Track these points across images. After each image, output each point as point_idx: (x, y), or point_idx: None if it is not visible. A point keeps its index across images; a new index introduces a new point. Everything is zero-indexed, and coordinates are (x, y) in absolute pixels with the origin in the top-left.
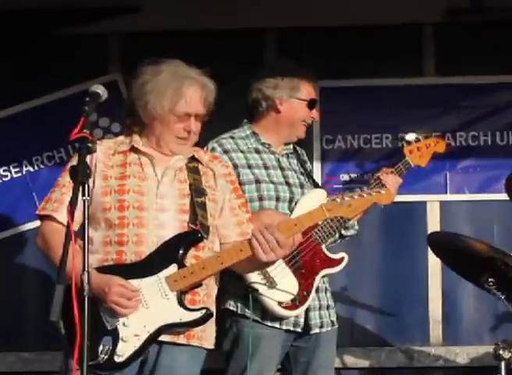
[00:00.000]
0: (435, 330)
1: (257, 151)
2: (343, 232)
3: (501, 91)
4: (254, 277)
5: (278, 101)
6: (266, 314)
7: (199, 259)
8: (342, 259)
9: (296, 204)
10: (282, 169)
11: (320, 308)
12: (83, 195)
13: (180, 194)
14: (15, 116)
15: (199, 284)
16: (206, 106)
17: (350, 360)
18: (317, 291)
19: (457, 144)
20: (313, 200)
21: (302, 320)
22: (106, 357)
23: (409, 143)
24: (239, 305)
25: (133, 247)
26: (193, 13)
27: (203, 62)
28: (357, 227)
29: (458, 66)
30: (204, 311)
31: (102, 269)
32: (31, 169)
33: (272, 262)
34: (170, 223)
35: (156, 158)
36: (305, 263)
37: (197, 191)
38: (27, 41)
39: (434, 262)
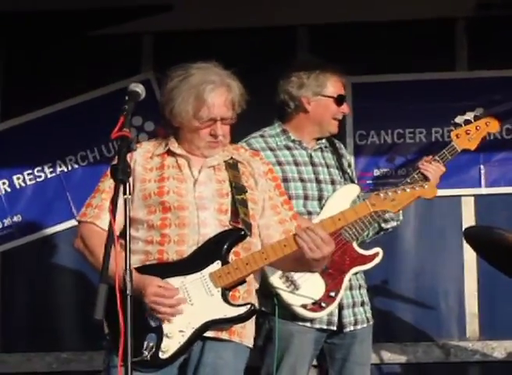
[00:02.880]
0: (472, 324)
1: (288, 148)
2: (382, 225)
3: None
4: (276, 281)
5: (305, 100)
6: (295, 315)
7: (238, 255)
8: (375, 255)
9: (326, 201)
10: (313, 164)
11: (354, 306)
12: (124, 194)
13: (219, 194)
14: (49, 115)
15: (243, 281)
16: (233, 108)
17: (387, 355)
18: (351, 288)
19: (491, 138)
20: (344, 196)
21: (335, 318)
22: (151, 354)
23: (458, 126)
24: (269, 304)
25: (175, 246)
26: (226, 12)
27: (235, 61)
28: (401, 218)
29: (490, 59)
30: (248, 306)
31: (144, 269)
32: (65, 169)
33: (322, 261)
34: (211, 221)
35: (192, 160)
36: (333, 263)
37: (237, 188)
38: (62, 41)
39: (470, 257)
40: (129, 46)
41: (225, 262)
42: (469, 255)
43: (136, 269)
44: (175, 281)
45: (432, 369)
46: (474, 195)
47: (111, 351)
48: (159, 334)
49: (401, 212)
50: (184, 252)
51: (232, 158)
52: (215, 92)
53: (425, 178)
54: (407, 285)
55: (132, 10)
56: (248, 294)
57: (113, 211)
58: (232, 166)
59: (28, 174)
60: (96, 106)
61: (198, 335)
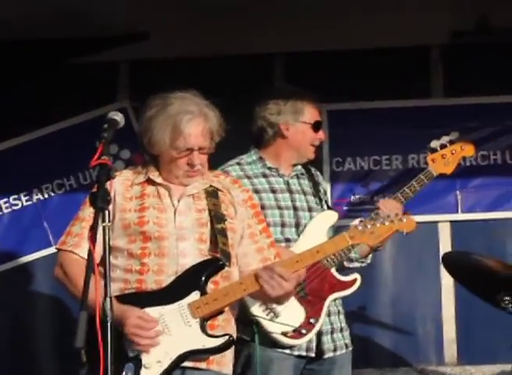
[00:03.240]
0: (450, 349)
1: (265, 175)
2: (345, 264)
3: (509, 111)
4: (256, 309)
5: (283, 126)
6: (274, 342)
7: (217, 285)
8: (354, 281)
9: (304, 227)
10: (290, 192)
11: (332, 332)
12: (103, 222)
13: (199, 223)
14: (25, 143)
15: (221, 311)
16: (210, 138)
17: None
18: (329, 314)
19: (467, 164)
20: (322, 222)
21: (314, 345)
22: None
23: (433, 150)
24: (248, 331)
25: (154, 276)
26: (202, 40)
27: (212, 89)
28: (368, 261)
29: (466, 87)
30: (226, 337)
31: (123, 298)
32: (41, 197)
33: (286, 296)
34: (190, 251)
35: (172, 189)
36: (312, 290)
37: (216, 217)
38: (38, 69)
39: (447, 282)
40: (106, 74)
41: (203, 293)
42: (446, 280)
43: (115, 297)
44: (153, 311)
45: None
46: (450, 221)
47: None
48: (137, 364)
49: (370, 256)
50: (163, 282)
51: (211, 186)
52: (191, 122)
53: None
54: (385, 311)
55: (109, 39)
56: (226, 322)
57: (92, 238)
58: (211, 193)
59: (4, 202)
60: (72, 134)
61: (176, 365)
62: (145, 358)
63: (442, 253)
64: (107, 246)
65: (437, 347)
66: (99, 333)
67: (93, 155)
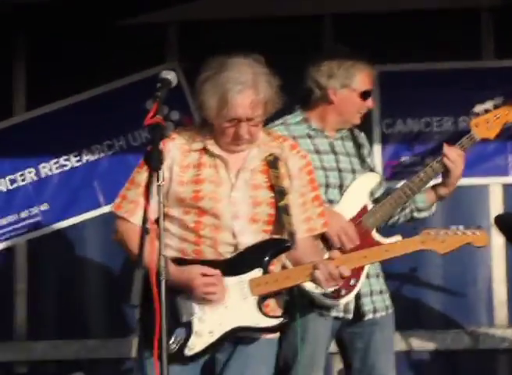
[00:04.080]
0: (501, 311)
1: (309, 136)
2: (415, 214)
3: None
4: None
5: (331, 91)
6: (313, 301)
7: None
8: None
9: (346, 189)
10: (335, 153)
11: (372, 294)
12: (158, 181)
13: (253, 202)
14: (75, 105)
15: (278, 293)
16: (261, 109)
17: (416, 343)
18: (368, 276)
19: None
20: (363, 185)
21: (352, 307)
22: (176, 348)
23: (477, 115)
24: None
25: (211, 248)
26: (249, 1)
27: (259, 50)
28: (433, 209)
29: None
30: (281, 319)
31: (183, 263)
32: (91, 158)
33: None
34: (246, 229)
35: (230, 162)
36: (352, 251)
37: (279, 193)
38: (86, 30)
39: (498, 244)
40: (155, 36)
41: (266, 272)
42: (497, 242)
43: (174, 260)
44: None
45: (461, 357)
46: (501, 184)
47: (141, 342)
48: (188, 330)
49: (434, 204)
50: (220, 255)
51: (271, 154)
52: (240, 93)
53: (445, 167)
54: (436, 273)
55: (157, 0)
56: (280, 305)
57: (147, 197)
58: (272, 163)
59: (54, 163)
60: (122, 95)
61: (226, 338)
62: (197, 326)
63: (492, 215)
64: (161, 205)
65: (488, 309)
66: (154, 289)
67: (144, 116)
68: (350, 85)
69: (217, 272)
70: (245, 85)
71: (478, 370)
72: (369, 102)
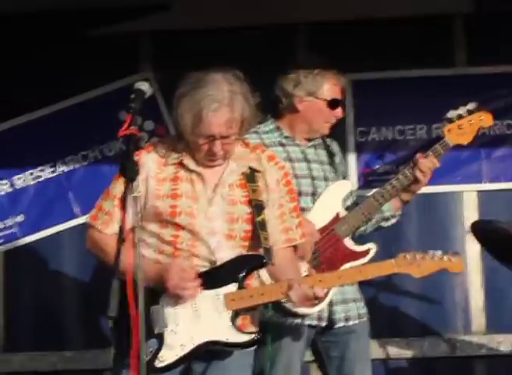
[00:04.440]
0: (478, 318)
1: (282, 145)
2: (382, 224)
3: None
4: (267, 278)
5: (297, 99)
6: (286, 310)
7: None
8: (367, 251)
9: (318, 196)
10: (307, 161)
11: (345, 302)
12: (133, 192)
13: (229, 219)
14: (49, 115)
15: (253, 309)
16: (234, 127)
17: (393, 351)
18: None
19: (492, 134)
20: (336, 192)
21: (325, 315)
22: (148, 359)
23: (450, 121)
24: None
25: (187, 261)
26: (223, 10)
27: (233, 59)
28: (398, 213)
29: (489, 55)
30: (252, 336)
31: None
32: (66, 169)
33: None
34: (223, 245)
35: (206, 175)
36: (325, 259)
37: (257, 207)
38: (60, 40)
39: (473, 251)
40: (128, 45)
41: (241, 287)
42: (473, 249)
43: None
44: None
45: (438, 364)
46: (476, 191)
47: (116, 353)
48: (160, 342)
49: (400, 209)
50: (197, 268)
51: (249, 167)
52: (215, 112)
53: (416, 176)
54: (412, 280)
55: (130, 10)
56: (252, 320)
57: (123, 208)
58: (249, 177)
59: (29, 174)
60: (95, 106)
61: (196, 352)
62: (169, 338)
63: (467, 223)
64: (139, 216)
65: (464, 316)
66: (129, 294)
67: (118, 126)
68: (317, 93)
69: (194, 269)
70: (221, 103)
71: None
72: (338, 112)
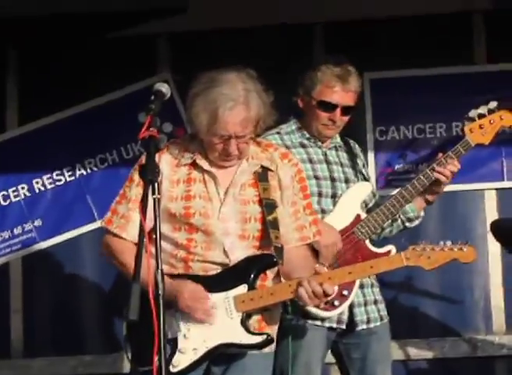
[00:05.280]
0: (498, 318)
1: (303, 146)
2: (407, 224)
3: None
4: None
5: (299, 98)
6: (306, 312)
7: (266, 276)
8: (388, 253)
9: (339, 198)
10: (328, 163)
11: (366, 304)
12: (153, 194)
13: (242, 218)
14: (67, 119)
15: (265, 309)
16: (253, 126)
17: (413, 352)
18: (362, 286)
19: None
20: (356, 194)
21: (345, 317)
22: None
23: (471, 120)
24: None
25: (200, 264)
26: (241, 11)
27: (251, 60)
28: (422, 214)
29: (509, 52)
30: (265, 336)
31: (173, 277)
32: (84, 173)
33: None
34: (237, 246)
35: (219, 178)
36: (345, 261)
37: (268, 206)
38: (78, 44)
39: (494, 250)
40: (146, 48)
41: (251, 288)
42: (493, 248)
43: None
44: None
45: (459, 365)
46: (496, 189)
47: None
48: (173, 347)
49: (422, 210)
50: (209, 271)
51: (261, 166)
52: (231, 111)
53: (439, 178)
54: (432, 280)
55: (148, 12)
56: (269, 320)
57: (143, 210)
58: (261, 176)
59: (47, 178)
60: (113, 108)
61: (210, 355)
62: (182, 343)
63: (488, 221)
64: (157, 218)
65: (485, 316)
66: (152, 304)
67: (136, 129)
68: (311, 93)
69: (206, 295)
70: (236, 102)
71: None
72: (333, 116)
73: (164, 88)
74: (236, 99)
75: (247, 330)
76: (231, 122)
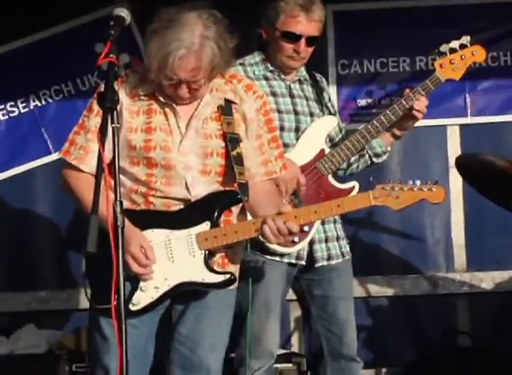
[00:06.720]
0: (459, 256)
1: (266, 78)
2: (374, 160)
3: None
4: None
5: (263, 30)
6: (265, 248)
7: (230, 213)
8: (352, 189)
9: (303, 132)
10: (292, 96)
11: (327, 241)
12: (112, 123)
13: (203, 153)
14: (20, 49)
15: (228, 247)
16: (202, 73)
17: (374, 289)
18: (323, 222)
19: (476, 66)
20: (321, 128)
21: (305, 253)
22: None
23: (442, 55)
24: None
25: (162, 200)
26: None
27: None
28: (389, 149)
29: None
30: (228, 276)
31: (133, 213)
32: (39, 104)
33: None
34: (198, 180)
35: (178, 108)
36: (307, 197)
37: (232, 140)
38: None
39: (456, 187)
40: None
41: (214, 225)
42: (455, 185)
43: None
44: (160, 233)
45: (420, 302)
46: (459, 125)
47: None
48: (134, 285)
49: (389, 145)
50: (172, 206)
51: (225, 99)
52: (180, 60)
53: (409, 111)
54: (394, 217)
55: None
56: (232, 259)
57: (101, 140)
58: (224, 109)
59: (0, 109)
60: (69, 38)
61: (171, 293)
62: (143, 281)
63: (450, 157)
64: (116, 147)
65: (446, 253)
66: (111, 236)
67: (93, 59)
68: (274, 24)
69: (152, 256)
70: (189, 50)
71: (437, 315)
72: (298, 46)
73: (124, 13)
74: (189, 47)
75: (210, 269)
76: (181, 69)
